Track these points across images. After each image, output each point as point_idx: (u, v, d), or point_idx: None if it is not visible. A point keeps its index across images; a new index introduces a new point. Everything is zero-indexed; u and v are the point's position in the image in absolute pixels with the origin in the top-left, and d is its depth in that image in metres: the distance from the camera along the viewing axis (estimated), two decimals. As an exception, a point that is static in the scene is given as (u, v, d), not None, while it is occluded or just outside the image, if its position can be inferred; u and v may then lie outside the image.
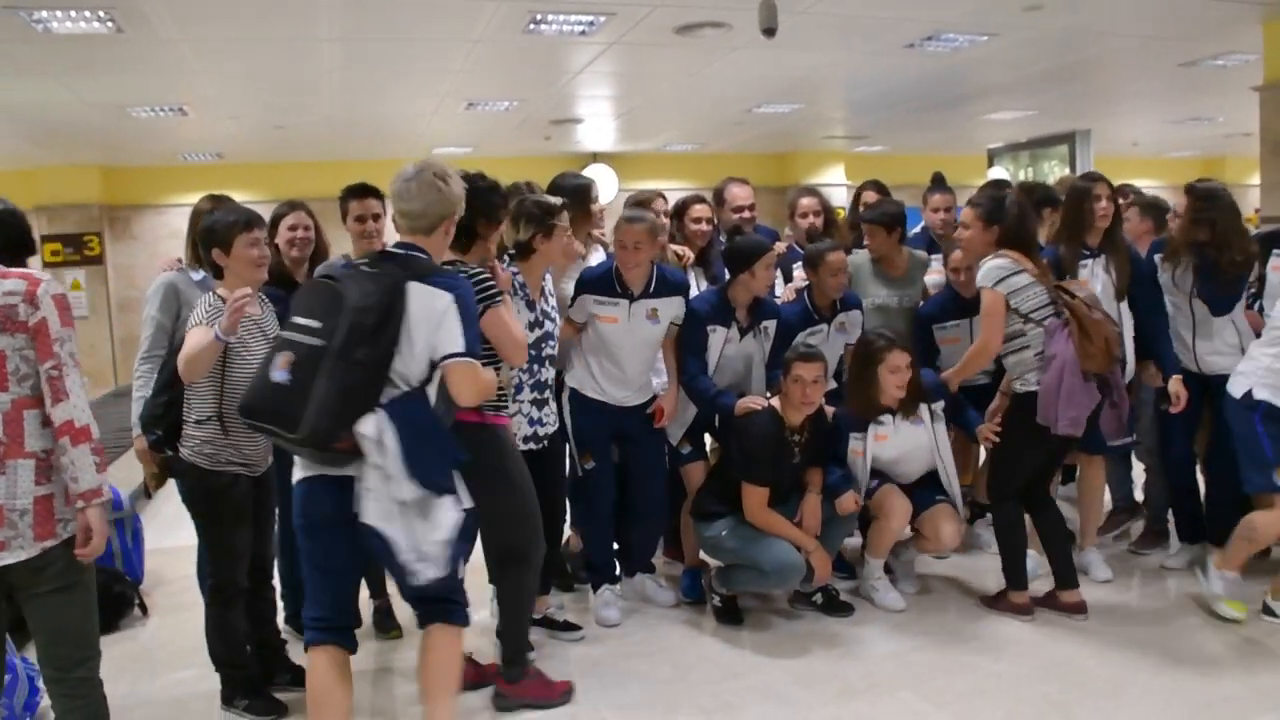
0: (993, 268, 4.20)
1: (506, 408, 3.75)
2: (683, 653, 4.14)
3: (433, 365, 2.90)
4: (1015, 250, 4.23)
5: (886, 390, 4.34)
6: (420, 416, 2.86)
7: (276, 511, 3.96)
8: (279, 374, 2.81)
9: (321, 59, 7.76)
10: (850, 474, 4.48)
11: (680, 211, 5.00)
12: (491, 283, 3.46)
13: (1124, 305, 4.65)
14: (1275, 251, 4.75)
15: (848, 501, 4.36)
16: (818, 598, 4.50)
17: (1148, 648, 4.00)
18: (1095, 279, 4.58)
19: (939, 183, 5.50)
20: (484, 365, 3.09)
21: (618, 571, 4.69)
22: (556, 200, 3.98)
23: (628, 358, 4.38)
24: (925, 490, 4.57)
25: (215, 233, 3.50)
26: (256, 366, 3.12)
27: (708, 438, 4.82)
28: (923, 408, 4.46)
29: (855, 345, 4.54)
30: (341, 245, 4.49)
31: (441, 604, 3.07)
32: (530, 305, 3.89)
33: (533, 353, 3.88)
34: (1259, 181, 7.83)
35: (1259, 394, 4.07)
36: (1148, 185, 5.02)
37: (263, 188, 12.01)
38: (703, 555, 4.64)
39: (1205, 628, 4.20)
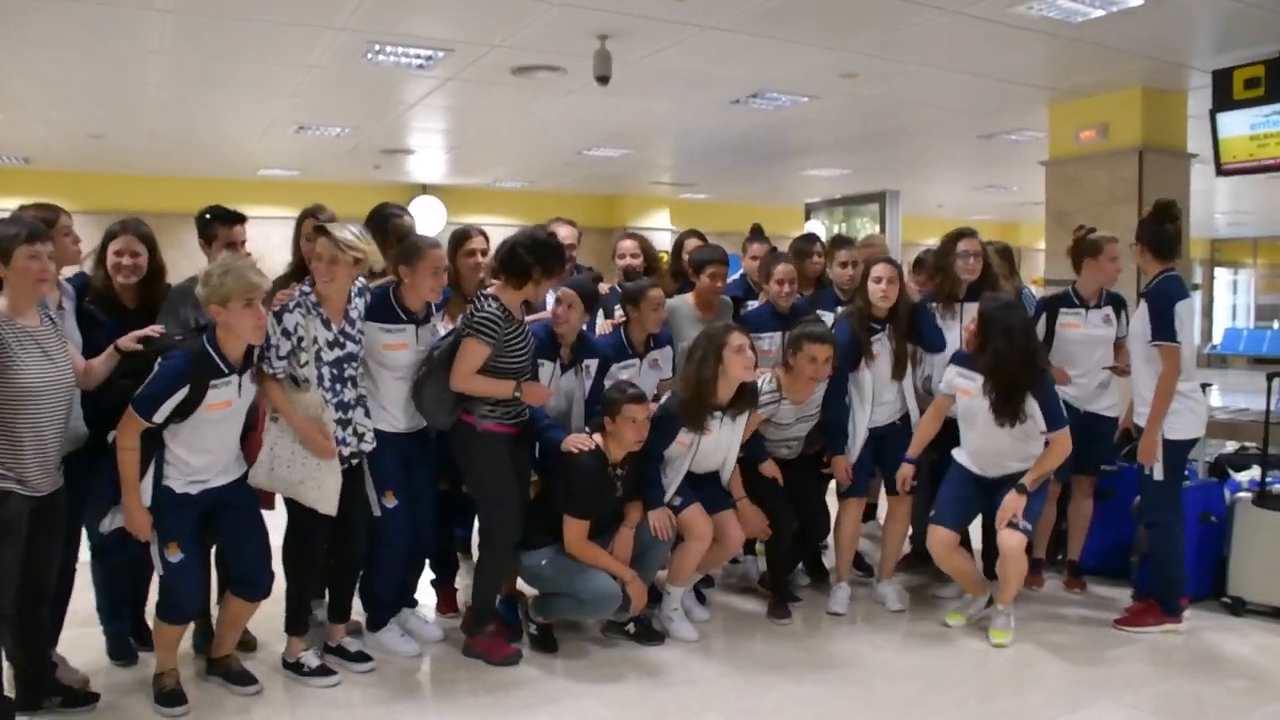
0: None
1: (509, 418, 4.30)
2: (499, 677, 4.23)
3: None
4: None
5: (732, 374, 4.52)
6: None
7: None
8: None
9: (149, 71, 7.54)
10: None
11: None
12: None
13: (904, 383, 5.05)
14: (1063, 310, 5.20)
15: (662, 520, 4.52)
16: (631, 626, 4.65)
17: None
18: (884, 349, 4.99)
19: (758, 233, 5.81)
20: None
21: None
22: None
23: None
24: (714, 495, 4.79)
25: None
26: (27, 380, 3.28)
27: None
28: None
29: (698, 338, 4.65)
30: (176, 266, 4.30)
31: None
32: (326, 324, 3.97)
33: (334, 372, 4.00)
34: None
35: None
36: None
37: (75, 198, 11.31)
38: (520, 584, 4.75)
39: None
